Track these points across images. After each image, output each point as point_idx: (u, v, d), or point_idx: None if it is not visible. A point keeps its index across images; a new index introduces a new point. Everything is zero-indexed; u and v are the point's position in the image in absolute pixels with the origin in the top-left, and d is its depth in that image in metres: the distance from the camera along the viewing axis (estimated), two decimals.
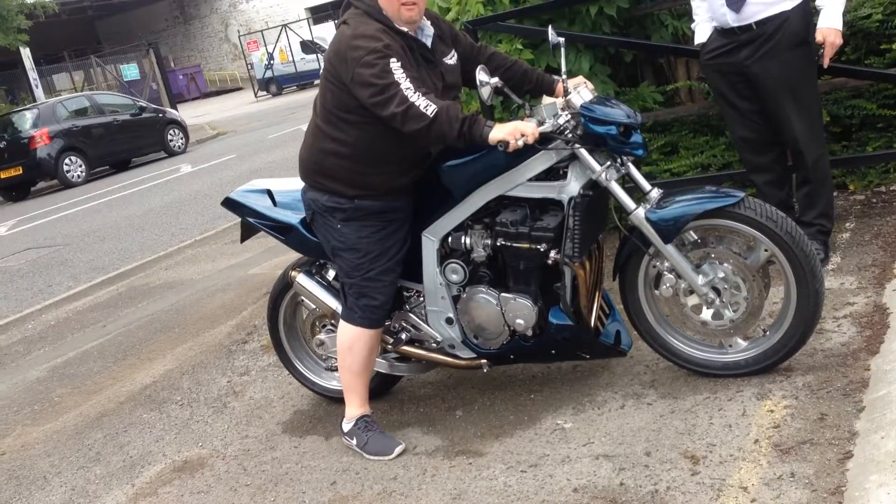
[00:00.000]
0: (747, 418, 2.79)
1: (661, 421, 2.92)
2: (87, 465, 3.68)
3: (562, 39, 3.04)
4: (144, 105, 18.71)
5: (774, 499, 2.35)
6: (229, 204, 3.59)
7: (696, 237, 2.97)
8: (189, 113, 24.96)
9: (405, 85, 2.72)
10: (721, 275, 2.94)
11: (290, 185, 3.47)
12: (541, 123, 2.82)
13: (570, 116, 2.87)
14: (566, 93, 2.94)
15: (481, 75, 2.82)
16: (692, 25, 4.01)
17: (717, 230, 2.96)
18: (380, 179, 3.00)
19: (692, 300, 3.01)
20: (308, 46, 31.72)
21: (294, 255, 3.73)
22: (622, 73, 4.94)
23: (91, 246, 9.28)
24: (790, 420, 2.71)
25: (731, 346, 3.07)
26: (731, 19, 3.66)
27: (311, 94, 27.76)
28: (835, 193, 4.13)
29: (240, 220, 3.64)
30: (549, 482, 2.72)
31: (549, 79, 3.19)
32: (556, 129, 2.83)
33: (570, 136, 2.84)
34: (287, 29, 31.83)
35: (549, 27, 3.14)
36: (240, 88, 38.28)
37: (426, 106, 2.71)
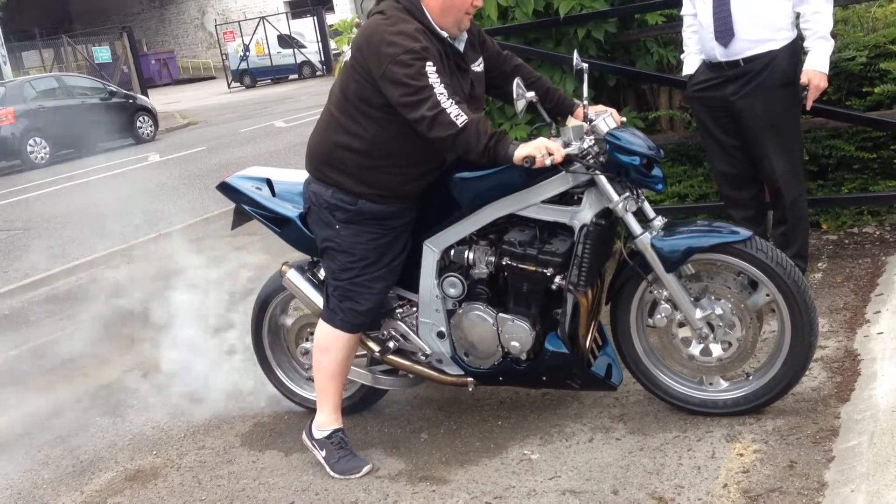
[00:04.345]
0: (716, 461, 2.77)
1: (630, 458, 2.88)
2: (34, 469, 3.55)
3: (585, 65, 3.01)
4: (115, 90, 18.38)
5: None
6: (225, 188, 3.48)
7: (693, 270, 2.94)
8: (160, 99, 24.61)
9: (439, 90, 2.66)
10: (719, 311, 2.92)
11: (292, 176, 3.38)
12: (566, 145, 2.78)
13: (594, 142, 2.83)
14: (587, 118, 2.90)
15: (518, 88, 2.77)
16: (682, 56, 4.00)
17: (714, 265, 2.94)
18: (390, 180, 2.92)
19: (683, 332, 2.99)
20: (285, 41, 31.48)
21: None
22: (605, 97, 4.92)
23: (51, 233, 9.05)
24: (759, 465, 2.69)
25: (711, 383, 3.05)
26: (720, 54, 3.66)
27: (285, 89, 27.65)
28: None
29: (233, 206, 3.51)
30: None
31: (570, 101, 3.15)
32: (580, 153, 2.78)
33: (592, 161, 2.80)
34: (265, 22, 31.55)
35: (575, 52, 3.13)
36: (213, 78, 37.86)
37: (457, 115, 2.65)
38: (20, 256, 8.05)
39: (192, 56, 41.76)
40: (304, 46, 31.44)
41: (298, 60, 31.51)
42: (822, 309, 3.71)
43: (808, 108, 3.71)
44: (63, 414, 4.03)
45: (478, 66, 2.99)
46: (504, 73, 3.10)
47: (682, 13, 3.94)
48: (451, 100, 2.67)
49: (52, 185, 13.01)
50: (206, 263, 6.45)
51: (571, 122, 3.00)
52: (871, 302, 3.68)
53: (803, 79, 3.58)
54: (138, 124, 17.83)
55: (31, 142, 15.81)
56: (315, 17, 31.26)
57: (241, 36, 32.37)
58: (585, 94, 3.00)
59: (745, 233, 2.84)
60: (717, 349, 2.95)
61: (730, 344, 2.93)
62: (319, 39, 30.60)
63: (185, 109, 23.55)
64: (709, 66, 3.76)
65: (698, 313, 2.91)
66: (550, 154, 2.66)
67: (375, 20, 2.82)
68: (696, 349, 2.98)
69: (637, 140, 2.82)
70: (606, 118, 2.91)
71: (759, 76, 3.60)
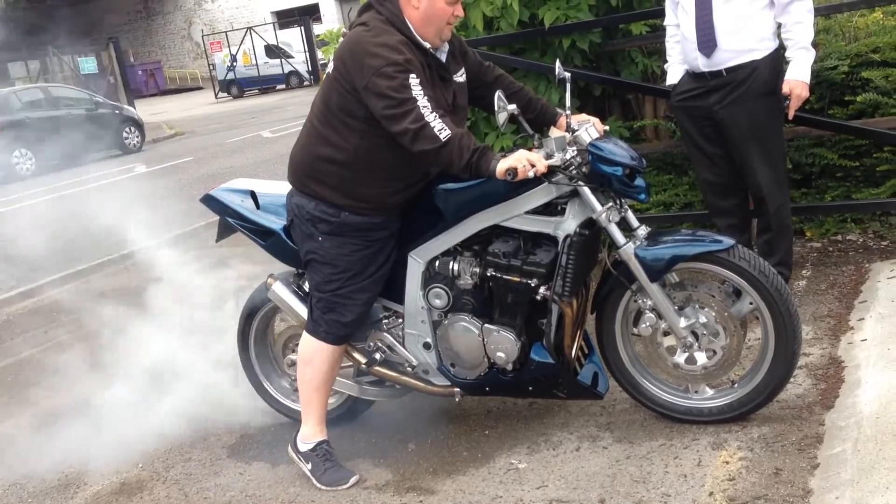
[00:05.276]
0: (703, 469, 2.78)
1: (617, 466, 2.89)
2: (20, 482, 3.53)
3: (567, 75, 3.03)
4: (101, 101, 18.35)
5: None
6: (209, 201, 3.49)
7: (677, 279, 2.96)
8: (146, 110, 24.54)
9: (422, 103, 2.66)
10: (703, 320, 2.93)
11: (276, 188, 3.39)
12: (548, 156, 2.79)
13: (576, 152, 2.84)
14: (569, 128, 2.91)
15: (499, 101, 2.79)
16: (665, 66, 4.03)
17: (698, 273, 2.95)
18: (372, 192, 2.92)
19: (668, 341, 3.00)
20: (272, 51, 31.45)
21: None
22: (591, 106, 4.95)
23: (36, 244, 8.95)
24: (745, 473, 2.70)
25: (696, 391, 3.06)
26: (703, 64, 3.69)
27: (273, 99, 27.62)
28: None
29: (218, 218, 3.53)
30: None
31: (553, 111, 3.16)
32: (562, 164, 2.79)
33: (574, 172, 2.81)
34: (252, 32, 31.53)
35: (557, 62, 3.14)
36: (200, 88, 37.79)
37: (440, 129, 2.66)
38: (4, 269, 7.98)
39: (179, 66, 41.68)
40: (291, 56, 31.43)
41: (286, 70, 31.50)
42: (806, 316, 3.73)
43: (791, 117, 3.74)
44: (48, 427, 4.00)
45: (460, 77, 3.00)
46: (486, 84, 3.11)
47: (664, 24, 3.98)
48: (434, 113, 2.67)
49: (37, 196, 12.94)
50: (193, 273, 6.42)
51: (554, 132, 3.01)
52: (855, 309, 3.71)
53: (785, 88, 3.61)
54: (125, 135, 17.79)
55: (16, 153, 15.74)
56: (302, 28, 31.24)
57: (229, 46, 32.31)
58: (568, 103, 3.02)
59: (727, 241, 2.86)
60: (701, 357, 2.96)
61: (714, 352, 2.95)
62: (307, 49, 30.58)
63: (171, 120, 23.50)
64: (692, 76, 3.79)
65: (682, 322, 2.93)
66: (532, 166, 2.67)
67: (358, 32, 2.82)
68: (680, 358, 2.99)
69: (619, 150, 2.83)
70: (589, 128, 2.92)
71: (741, 86, 3.63)
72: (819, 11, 4.06)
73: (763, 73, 3.62)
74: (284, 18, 35.63)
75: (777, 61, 3.68)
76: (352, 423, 3.53)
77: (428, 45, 2.84)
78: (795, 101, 3.62)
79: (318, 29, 28.75)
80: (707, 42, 3.62)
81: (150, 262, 7.13)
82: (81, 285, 6.85)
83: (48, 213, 11.15)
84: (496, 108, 2.79)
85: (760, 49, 3.62)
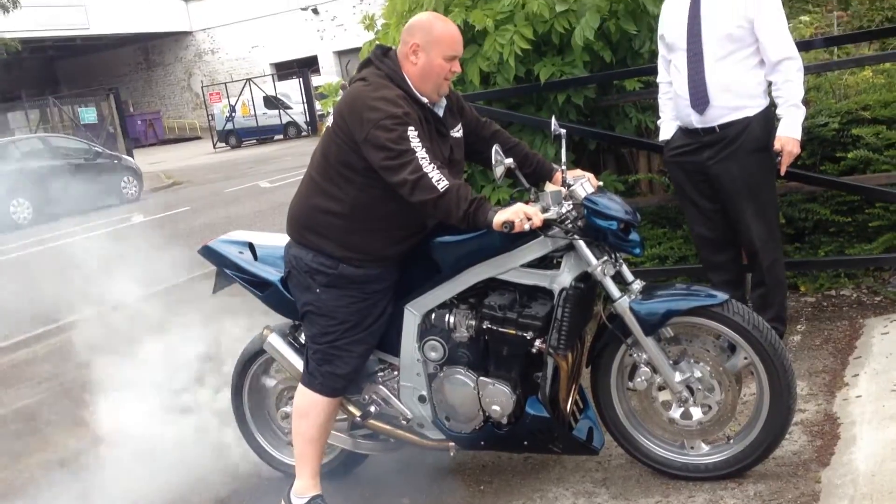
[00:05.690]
0: None
1: None
2: None
3: (563, 131, 3.08)
4: (100, 150, 18.46)
5: None
6: (207, 252, 3.51)
7: (672, 333, 2.97)
8: (145, 159, 24.70)
9: (420, 154, 2.71)
10: (698, 374, 2.93)
11: (273, 240, 3.42)
12: (545, 210, 2.82)
13: (572, 206, 2.87)
14: (565, 183, 2.95)
15: (496, 154, 2.83)
16: (658, 122, 4.09)
17: (693, 328, 2.96)
18: (371, 244, 2.95)
19: (663, 396, 2.99)
20: (271, 102, 31.79)
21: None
22: (586, 161, 5.00)
23: (31, 293, 8.95)
24: None
25: (692, 447, 3.05)
26: (696, 120, 3.75)
27: (270, 149, 27.81)
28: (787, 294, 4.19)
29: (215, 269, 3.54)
30: None
31: (549, 166, 3.20)
32: (558, 218, 2.83)
33: (570, 226, 2.84)
34: (251, 83, 31.91)
35: (553, 118, 3.19)
36: (198, 138, 38.07)
37: (438, 180, 2.70)
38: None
39: (178, 116, 42.08)
40: (289, 107, 31.74)
41: (284, 121, 31.80)
42: (801, 372, 3.72)
43: (783, 173, 3.78)
44: (38, 482, 3.95)
45: (457, 132, 3.05)
46: (483, 139, 3.16)
47: (657, 81, 4.04)
48: (432, 164, 2.72)
49: (33, 245, 12.90)
50: (188, 325, 6.39)
51: (550, 187, 3.05)
52: (850, 365, 3.71)
53: (776, 145, 3.65)
54: (123, 184, 17.86)
55: (13, 202, 15.81)
56: (301, 79, 31.65)
57: (228, 97, 32.65)
58: (564, 158, 3.06)
59: (721, 296, 2.88)
60: (697, 412, 2.96)
61: (709, 407, 2.94)
62: (305, 100, 30.93)
63: (170, 169, 23.63)
64: (685, 131, 3.85)
65: (678, 376, 2.93)
66: (529, 219, 2.70)
67: (357, 87, 2.88)
68: (676, 413, 2.98)
69: (614, 205, 2.87)
70: (584, 183, 2.96)
71: (734, 142, 3.68)
72: (809, 70, 4.13)
73: (755, 130, 3.68)
74: (283, 70, 36.09)
75: (769, 118, 3.73)
76: (346, 477, 3.50)
77: (426, 100, 2.90)
78: (787, 158, 3.67)
79: (316, 80, 29.10)
80: (700, 100, 3.68)
81: (145, 313, 7.09)
82: (75, 336, 6.79)
83: (41, 262, 11.13)
84: (493, 162, 2.83)
85: (752, 106, 3.68)
